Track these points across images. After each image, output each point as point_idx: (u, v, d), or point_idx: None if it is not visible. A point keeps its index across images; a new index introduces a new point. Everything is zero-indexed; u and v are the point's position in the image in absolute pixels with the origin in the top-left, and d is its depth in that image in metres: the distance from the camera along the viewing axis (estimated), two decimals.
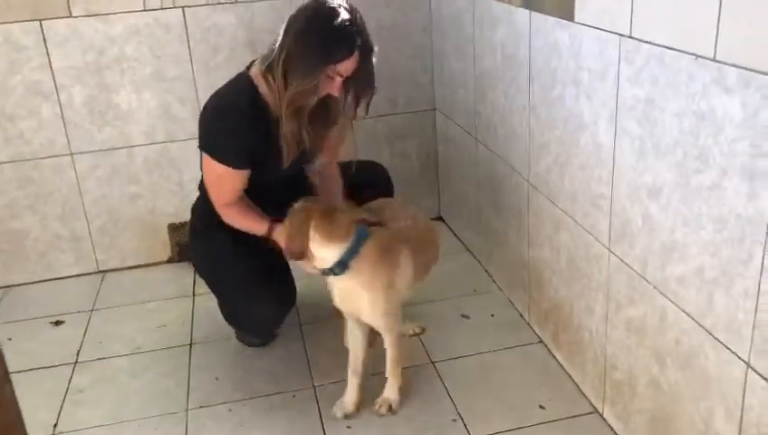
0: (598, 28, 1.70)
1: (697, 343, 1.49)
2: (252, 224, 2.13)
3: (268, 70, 1.98)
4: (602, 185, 1.79)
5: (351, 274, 1.89)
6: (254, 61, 2.11)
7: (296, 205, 1.92)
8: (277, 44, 1.95)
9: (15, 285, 2.93)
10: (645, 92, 1.54)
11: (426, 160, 3.23)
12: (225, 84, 2.13)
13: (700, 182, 1.40)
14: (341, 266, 1.88)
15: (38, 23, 2.65)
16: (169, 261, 3.05)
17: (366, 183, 2.34)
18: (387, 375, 2.07)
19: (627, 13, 1.56)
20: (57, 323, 2.67)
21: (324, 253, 1.88)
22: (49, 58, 2.70)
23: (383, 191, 2.44)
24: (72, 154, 2.84)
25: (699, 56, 1.34)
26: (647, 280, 1.65)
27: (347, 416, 2.04)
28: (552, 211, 2.10)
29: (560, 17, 1.88)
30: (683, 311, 1.52)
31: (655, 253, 1.60)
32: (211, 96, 2.12)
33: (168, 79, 2.83)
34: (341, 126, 2.19)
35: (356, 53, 1.93)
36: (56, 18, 2.66)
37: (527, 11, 2.08)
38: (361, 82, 2.02)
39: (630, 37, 1.57)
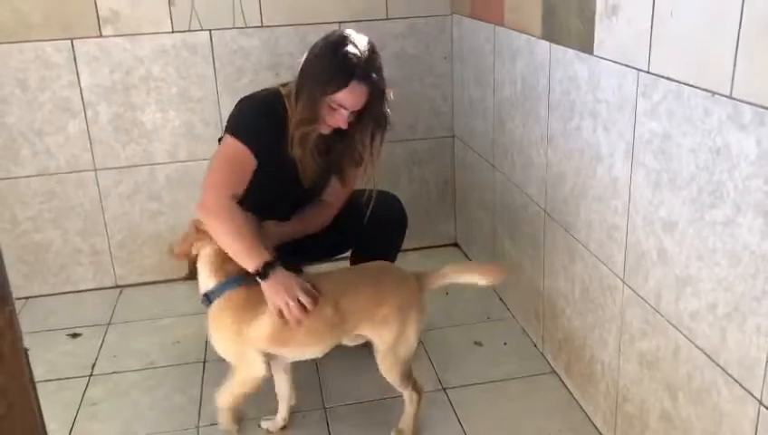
0: (616, 62, 1.72)
1: (710, 379, 1.49)
2: (242, 245, 1.90)
3: (290, 91, 2.04)
4: (618, 217, 1.80)
5: (210, 311, 1.95)
6: (287, 83, 2.14)
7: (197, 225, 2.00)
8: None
9: (35, 296, 2.97)
10: (662, 127, 1.56)
11: (443, 187, 3.25)
12: (261, 90, 2.18)
13: (714, 218, 1.41)
14: (206, 299, 1.96)
15: (69, 41, 2.73)
16: (186, 278, 3.07)
17: (379, 213, 2.29)
18: None
19: (645, 48, 1.58)
20: (74, 335, 2.70)
21: (201, 275, 1.99)
22: (78, 76, 2.77)
23: (395, 224, 2.43)
24: (95, 170, 2.90)
25: (715, 93, 1.36)
26: (660, 313, 1.65)
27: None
28: (568, 241, 2.11)
29: (579, 50, 1.91)
30: (696, 346, 1.52)
31: (669, 286, 1.60)
32: (250, 94, 2.18)
33: (192, 99, 2.89)
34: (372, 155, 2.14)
35: (357, 87, 1.93)
36: (87, 38, 2.74)
37: (547, 43, 2.11)
38: (371, 120, 2.04)
39: (648, 72, 1.59)
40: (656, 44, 1.55)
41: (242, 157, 2.01)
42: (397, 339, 1.91)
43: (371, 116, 2.04)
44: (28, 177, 2.85)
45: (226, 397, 2.01)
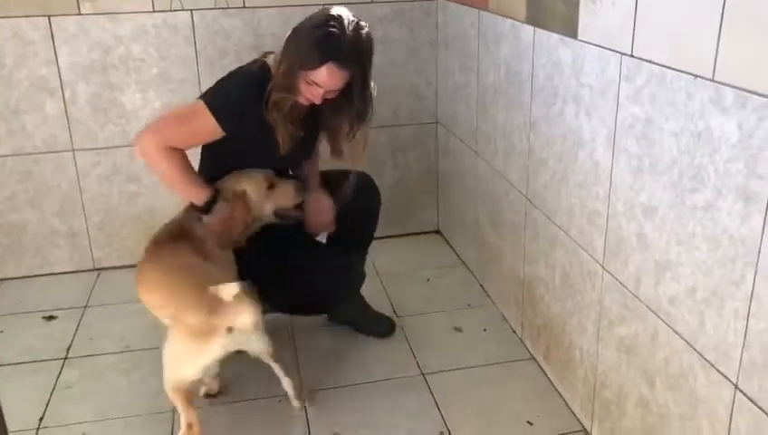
0: (600, 46, 1.71)
1: (687, 364, 1.49)
2: (188, 183, 2.04)
3: (276, 58, 2.02)
4: (599, 202, 1.80)
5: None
6: (272, 52, 2.11)
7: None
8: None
9: (10, 279, 2.93)
10: (644, 111, 1.55)
11: (426, 173, 3.24)
12: (247, 63, 2.14)
13: (695, 202, 1.40)
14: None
15: (47, 18, 2.67)
16: None
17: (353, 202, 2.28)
18: None
19: (629, 32, 1.57)
20: (50, 317, 2.66)
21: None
22: (56, 54, 2.72)
23: (369, 212, 2.44)
24: (73, 150, 2.85)
25: (698, 76, 1.35)
26: (639, 299, 1.65)
27: None
28: (549, 227, 2.11)
29: (563, 34, 1.90)
30: (674, 331, 1.52)
31: (648, 271, 1.60)
32: (236, 68, 2.15)
33: (173, 80, 2.84)
34: (356, 139, 2.13)
35: (333, 68, 1.89)
36: (65, 15, 2.68)
37: (532, 27, 2.10)
38: (351, 104, 2.01)
39: (632, 56, 1.58)
40: (639, 28, 1.54)
41: (201, 126, 1.99)
42: None
43: (351, 105, 2.01)
44: (4, 156, 2.80)
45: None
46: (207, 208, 2.06)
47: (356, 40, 1.93)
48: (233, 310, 1.73)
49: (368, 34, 1.97)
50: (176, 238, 2.04)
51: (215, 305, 1.73)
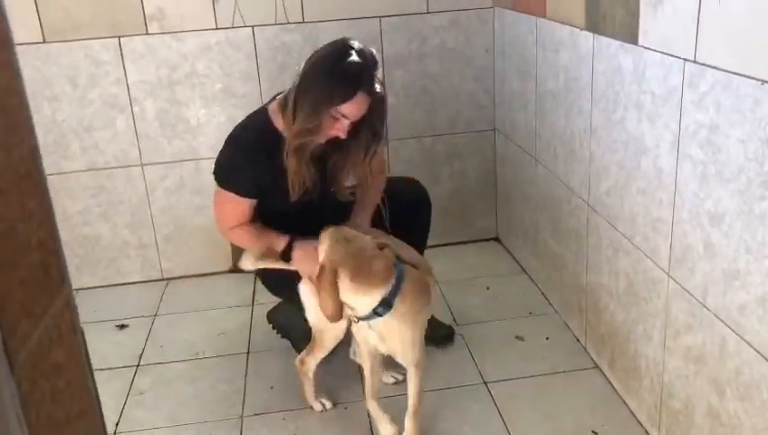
0: (662, 52, 1.69)
1: (759, 375, 1.46)
2: (266, 243, 2.11)
3: (285, 104, 2.02)
4: (663, 209, 1.77)
5: (394, 313, 1.83)
6: (277, 95, 2.15)
7: (322, 240, 1.86)
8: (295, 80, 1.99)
9: (85, 289, 3.06)
10: (709, 117, 1.53)
11: (484, 181, 3.24)
12: (246, 117, 2.18)
13: (764, 210, 1.38)
14: (386, 306, 1.81)
15: (117, 39, 2.80)
16: (231, 271, 3.14)
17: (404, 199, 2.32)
18: (408, 419, 1.98)
19: (692, 37, 1.55)
20: (122, 326, 2.77)
21: (365, 300, 1.81)
22: (125, 73, 2.84)
23: (420, 209, 2.42)
24: (142, 165, 2.97)
25: (766, 82, 1.33)
26: (707, 307, 1.62)
27: None
28: (612, 234, 2.09)
29: (623, 41, 1.88)
30: (744, 340, 1.49)
31: (716, 280, 1.57)
32: (234, 127, 2.18)
33: (236, 95, 2.93)
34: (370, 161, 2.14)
35: (362, 97, 1.91)
36: (133, 35, 2.80)
37: (591, 34, 2.09)
38: (370, 128, 2.02)
39: (695, 62, 1.56)
40: (702, 33, 1.52)
41: (234, 201, 2.09)
42: None
43: (369, 127, 2.02)
44: (78, 171, 2.94)
45: (419, 413, 1.98)
46: (286, 256, 2.07)
47: (374, 64, 1.95)
48: None
49: (375, 56, 1.98)
50: None
51: None
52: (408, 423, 1.98)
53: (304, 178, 2.04)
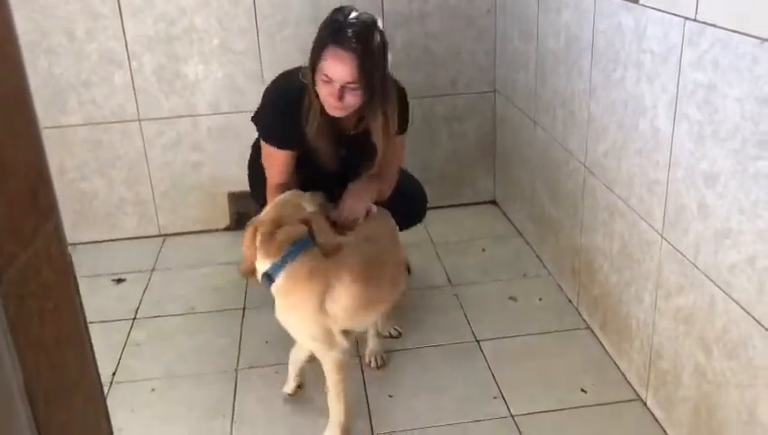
0: (663, 11, 1.68)
1: (746, 333, 1.48)
2: None
3: None
4: (659, 170, 1.77)
5: (276, 290, 1.83)
6: None
7: (265, 210, 1.92)
8: None
9: (82, 243, 3.06)
10: (707, 77, 1.52)
11: (483, 142, 3.23)
12: (293, 68, 2.16)
13: (758, 169, 1.38)
14: (267, 280, 1.82)
15: None
16: (227, 229, 3.14)
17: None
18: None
19: None
20: (119, 281, 2.79)
21: (258, 265, 1.83)
22: (123, 27, 2.81)
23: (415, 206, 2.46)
24: (140, 120, 2.95)
25: (765, 40, 1.32)
26: (698, 267, 1.63)
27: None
28: (608, 197, 2.09)
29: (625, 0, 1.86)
30: (732, 299, 1.51)
31: (708, 240, 1.58)
32: (278, 75, 2.19)
33: (234, 51, 2.90)
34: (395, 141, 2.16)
35: (336, 52, 1.87)
36: None
37: None
38: (376, 96, 1.98)
39: (695, 20, 1.54)
40: None
41: (274, 152, 2.13)
42: None
43: (373, 92, 1.95)
44: (76, 126, 2.93)
45: (338, 407, 1.87)
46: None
47: (357, 23, 1.91)
48: None
49: (372, 18, 1.95)
50: None
51: None
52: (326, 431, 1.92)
53: (326, 152, 2.08)
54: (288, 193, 1.98)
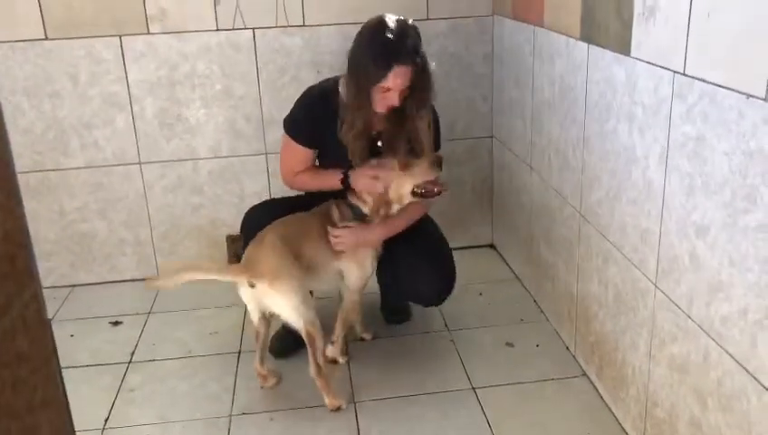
0: (653, 64, 1.71)
1: (740, 386, 1.47)
2: (324, 179, 2.32)
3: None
4: (651, 220, 1.78)
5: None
6: None
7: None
8: None
9: (81, 285, 3.07)
10: (696, 129, 1.54)
11: (480, 187, 3.25)
12: (323, 81, 2.38)
13: (747, 222, 1.39)
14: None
15: (118, 38, 2.82)
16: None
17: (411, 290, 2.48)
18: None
19: (681, 50, 1.57)
20: (116, 323, 2.79)
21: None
22: (126, 71, 2.86)
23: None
24: (140, 163, 2.98)
25: (750, 95, 1.34)
26: (692, 318, 1.63)
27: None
28: (602, 244, 2.10)
29: (617, 52, 1.89)
30: (726, 352, 1.50)
31: (701, 291, 1.58)
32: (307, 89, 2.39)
33: (235, 96, 2.95)
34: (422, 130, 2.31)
35: (399, 70, 2.06)
36: (135, 34, 2.82)
37: (586, 44, 2.10)
38: (419, 91, 2.17)
39: (684, 74, 1.57)
40: (692, 46, 1.53)
41: (293, 148, 2.33)
42: None
43: (416, 91, 2.17)
44: (77, 168, 2.96)
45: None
46: (346, 183, 2.27)
47: (406, 34, 2.10)
48: None
49: (411, 24, 2.14)
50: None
51: None
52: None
53: (359, 149, 2.23)
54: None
